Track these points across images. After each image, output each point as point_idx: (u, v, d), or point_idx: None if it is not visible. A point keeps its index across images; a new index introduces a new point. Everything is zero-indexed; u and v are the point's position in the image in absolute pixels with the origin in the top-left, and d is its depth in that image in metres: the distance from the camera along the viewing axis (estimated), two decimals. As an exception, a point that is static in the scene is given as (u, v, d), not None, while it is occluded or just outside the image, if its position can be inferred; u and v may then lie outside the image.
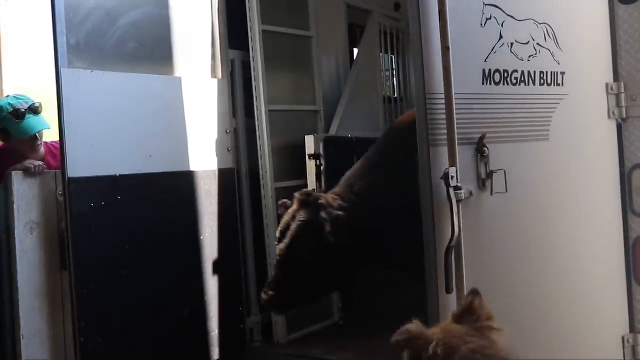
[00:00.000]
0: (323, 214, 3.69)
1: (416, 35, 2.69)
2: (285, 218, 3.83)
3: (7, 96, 4.39)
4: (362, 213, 3.78)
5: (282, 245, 3.77)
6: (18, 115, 4.10)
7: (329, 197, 3.84)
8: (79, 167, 3.74)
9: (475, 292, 2.12)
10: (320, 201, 3.74)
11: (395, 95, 6.91)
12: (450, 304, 2.62)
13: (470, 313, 2.07)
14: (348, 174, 4.05)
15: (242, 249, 4.73)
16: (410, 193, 3.59)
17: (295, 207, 3.80)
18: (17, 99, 4.20)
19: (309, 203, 3.74)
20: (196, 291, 4.33)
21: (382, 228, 3.79)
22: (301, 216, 3.73)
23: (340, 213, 3.71)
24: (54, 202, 4.02)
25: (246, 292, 4.76)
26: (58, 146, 4.15)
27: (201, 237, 4.39)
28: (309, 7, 5.43)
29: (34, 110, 4.15)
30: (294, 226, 3.74)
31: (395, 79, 7.05)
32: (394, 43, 6.48)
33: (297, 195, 3.82)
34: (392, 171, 3.88)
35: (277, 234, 3.87)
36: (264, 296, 3.79)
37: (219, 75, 4.67)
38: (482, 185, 2.76)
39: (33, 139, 4.17)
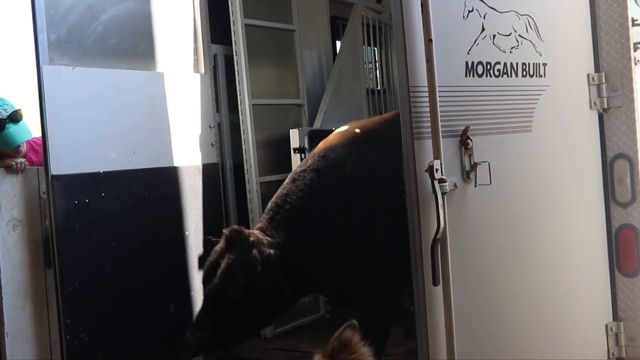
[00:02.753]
0: (254, 253, 3.48)
1: (399, 28, 2.69)
2: (213, 256, 3.58)
3: None
4: (290, 247, 3.59)
5: (210, 285, 3.54)
6: None
7: (258, 234, 3.62)
8: (62, 164, 3.72)
9: (352, 326, 2.00)
10: (251, 239, 3.52)
11: (379, 88, 6.92)
12: (437, 295, 2.63)
13: (346, 347, 1.97)
14: (269, 205, 3.81)
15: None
16: (342, 220, 3.62)
17: (222, 244, 3.55)
18: None
19: (239, 241, 3.50)
20: (182, 286, 4.33)
21: (314, 261, 3.64)
22: (231, 255, 3.49)
23: (271, 252, 3.50)
24: (37, 199, 3.98)
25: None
26: (40, 142, 4.11)
27: (186, 233, 4.38)
28: (291, 0, 5.42)
29: (14, 119, 3.99)
30: (223, 265, 3.50)
31: (378, 71, 7.06)
32: (376, 35, 6.49)
33: (225, 232, 3.57)
34: (323, 199, 3.71)
35: (203, 273, 3.64)
36: (189, 337, 3.55)
37: (202, 70, 4.65)
38: (467, 177, 2.78)
39: (15, 148, 4.04)
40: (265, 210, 3.83)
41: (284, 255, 3.54)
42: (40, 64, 3.67)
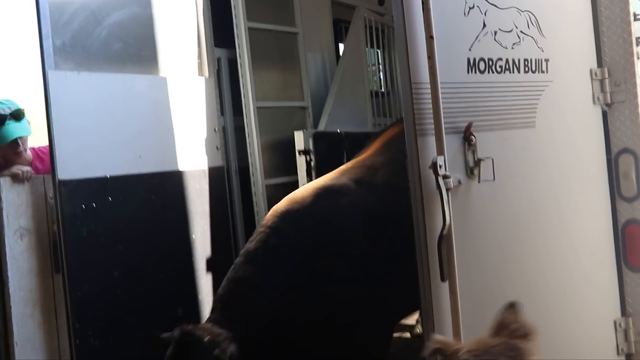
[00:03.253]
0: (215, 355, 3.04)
1: (400, 25, 2.70)
2: None
3: None
4: (254, 338, 3.22)
5: None
6: None
7: (213, 329, 3.15)
8: (68, 169, 3.74)
9: (512, 306, 2.21)
10: (206, 339, 3.07)
11: (382, 90, 6.93)
12: (444, 292, 2.64)
13: (506, 327, 2.15)
14: (221, 290, 3.40)
15: (234, 247, 4.73)
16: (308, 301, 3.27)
17: (173, 350, 3.10)
18: (1, 103, 4.18)
19: (193, 346, 3.07)
20: (189, 290, 4.34)
21: (281, 348, 3.33)
22: None
23: (232, 349, 3.07)
24: (44, 207, 4.01)
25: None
26: (46, 151, 4.16)
27: (193, 236, 4.40)
28: (293, 3, 5.44)
29: (16, 115, 4.10)
30: None
31: (381, 73, 7.07)
32: (379, 37, 6.50)
33: (176, 335, 3.12)
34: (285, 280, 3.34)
35: None
36: None
37: (206, 73, 4.68)
38: (470, 174, 2.78)
39: (13, 145, 4.12)
40: (217, 296, 3.41)
41: (246, 349, 3.14)
42: (46, 69, 3.69)
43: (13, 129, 4.10)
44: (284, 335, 3.33)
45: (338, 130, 5.32)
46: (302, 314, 3.34)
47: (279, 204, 3.60)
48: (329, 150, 5.07)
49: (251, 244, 3.42)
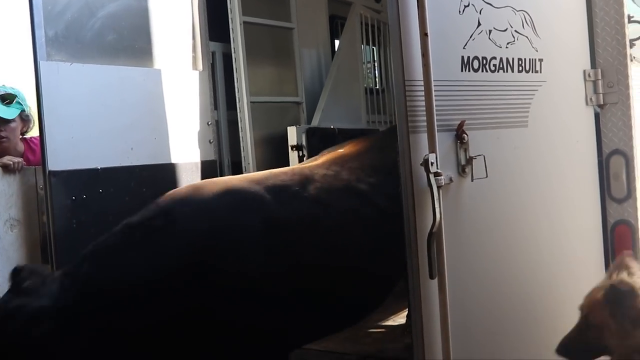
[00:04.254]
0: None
1: (394, 22, 2.68)
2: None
3: None
4: None
5: None
6: None
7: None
8: (59, 160, 3.73)
9: (629, 254, 2.76)
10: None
11: (377, 87, 6.93)
12: (433, 289, 2.64)
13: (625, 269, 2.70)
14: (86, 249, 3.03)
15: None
16: None
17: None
18: None
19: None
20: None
21: None
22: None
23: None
24: (35, 198, 4.00)
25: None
26: (37, 142, 4.16)
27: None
28: (289, -2, 5.43)
29: (4, 99, 4.20)
30: None
31: (376, 70, 7.06)
32: (375, 34, 6.50)
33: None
34: None
35: None
36: None
37: (200, 67, 4.66)
38: (462, 172, 2.77)
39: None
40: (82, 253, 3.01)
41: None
42: (38, 59, 3.68)
43: None
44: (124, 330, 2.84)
45: (332, 127, 5.32)
46: (146, 316, 2.84)
47: (180, 188, 3.36)
48: (322, 146, 5.06)
49: (135, 217, 3.05)
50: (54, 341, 2.68)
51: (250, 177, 3.49)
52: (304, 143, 4.89)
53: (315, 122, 5.33)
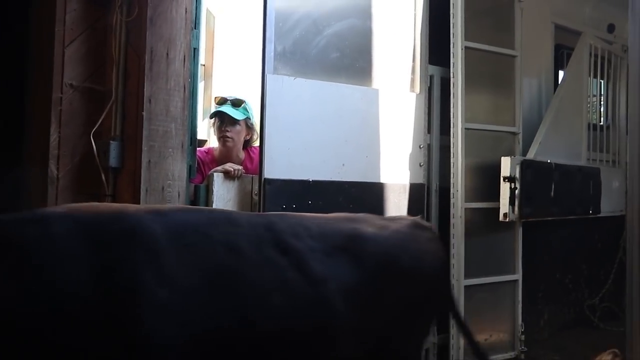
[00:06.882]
0: None
1: (636, 57, 2.46)
2: None
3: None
4: None
5: None
6: (218, 101, 4.68)
7: None
8: (275, 168, 3.87)
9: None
10: None
11: (601, 123, 6.48)
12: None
13: None
14: None
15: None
16: None
17: None
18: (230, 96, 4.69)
19: None
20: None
21: None
22: None
23: None
24: (249, 204, 4.19)
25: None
26: (256, 152, 4.40)
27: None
28: (515, 25, 5.23)
29: (235, 103, 4.59)
30: None
31: (602, 105, 6.61)
32: (604, 67, 6.09)
33: None
34: None
35: None
36: None
37: (417, 90, 4.64)
38: None
39: (218, 123, 4.63)
40: None
41: None
42: (265, 72, 3.86)
43: (229, 110, 4.56)
44: None
45: (548, 161, 5.03)
46: None
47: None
48: (536, 180, 4.81)
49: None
50: None
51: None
52: (517, 175, 4.66)
53: (531, 155, 5.07)
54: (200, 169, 4.45)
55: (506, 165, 4.70)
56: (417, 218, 2.87)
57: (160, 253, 2.15)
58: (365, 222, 2.71)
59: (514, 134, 5.11)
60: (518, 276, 5.00)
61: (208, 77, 6.00)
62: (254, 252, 2.33)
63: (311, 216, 2.72)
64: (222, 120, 4.58)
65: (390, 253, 2.60)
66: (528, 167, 4.77)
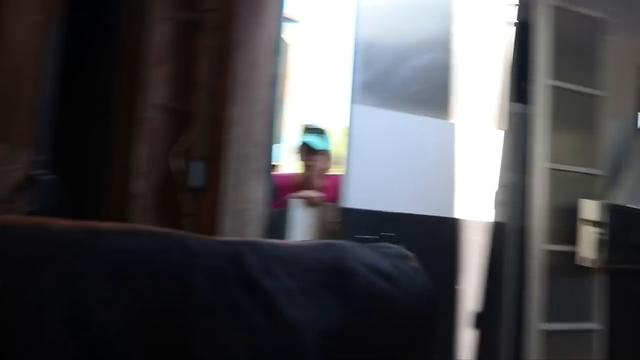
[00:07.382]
0: None
1: None
2: None
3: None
4: None
5: None
6: (305, 129, 4.75)
7: None
8: (354, 198, 3.85)
9: None
10: None
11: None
12: None
13: None
14: None
15: (497, 304, 4.50)
16: None
17: None
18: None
19: None
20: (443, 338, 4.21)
21: None
22: None
23: None
24: (324, 231, 4.17)
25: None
26: (333, 180, 4.39)
27: (457, 287, 4.27)
28: (599, 65, 5.12)
29: (320, 131, 4.66)
30: None
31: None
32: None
33: None
34: None
35: None
36: None
37: (500, 127, 4.57)
38: None
39: (304, 151, 4.66)
40: None
41: None
42: (352, 102, 3.86)
43: (311, 139, 4.61)
44: None
45: (634, 207, 4.85)
46: None
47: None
48: (618, 225, 4.65)
49: None
50: None
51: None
52: (603, 219, 4.51)
53: (615, 198, 4.90)
54: (278, 194, 4.46)
55: (588, 208, 4.56)
56: (400, 247, 2.48)
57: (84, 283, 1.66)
58: (350, 252, 2.23)
59: (596, 176, 4.97)
60: (597, 325, 4.80)
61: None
62: (212, 291, 1.82)
63: (289, 245, 2.33)
64: (309, 148, 4.61)
65: (381, 288, 2.15)
66: (611, 211, 4.62)
